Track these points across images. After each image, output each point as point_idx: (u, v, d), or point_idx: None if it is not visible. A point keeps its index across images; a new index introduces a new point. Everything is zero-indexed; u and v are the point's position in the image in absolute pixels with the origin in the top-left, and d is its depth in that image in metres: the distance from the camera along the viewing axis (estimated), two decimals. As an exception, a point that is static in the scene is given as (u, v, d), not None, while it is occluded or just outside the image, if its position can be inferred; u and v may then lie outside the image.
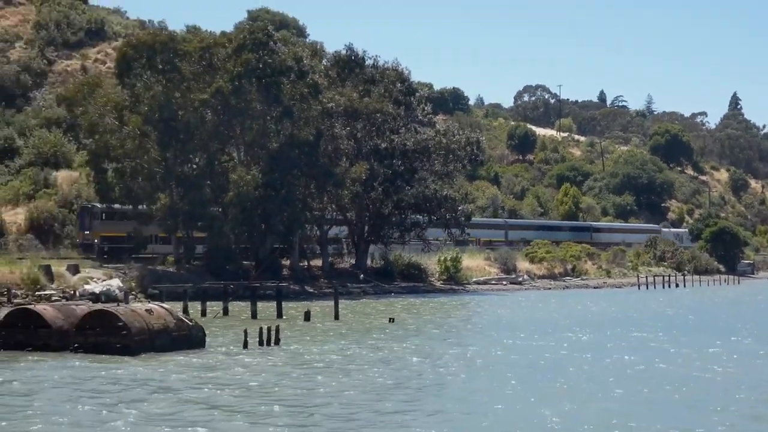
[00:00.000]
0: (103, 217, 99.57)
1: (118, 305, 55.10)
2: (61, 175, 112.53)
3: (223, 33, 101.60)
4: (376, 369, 40.62)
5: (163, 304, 53.16)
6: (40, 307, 49.69)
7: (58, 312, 48.21)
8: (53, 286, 77.43)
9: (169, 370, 40.22)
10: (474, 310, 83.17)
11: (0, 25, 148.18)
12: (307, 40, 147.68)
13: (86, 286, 78.00)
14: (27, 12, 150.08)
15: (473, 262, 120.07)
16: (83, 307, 50.70)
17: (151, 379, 37.45)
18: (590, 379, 37.76)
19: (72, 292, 76.18)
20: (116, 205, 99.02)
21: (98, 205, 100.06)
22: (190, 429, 27.93)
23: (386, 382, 36.83)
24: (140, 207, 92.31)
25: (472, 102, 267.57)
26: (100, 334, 45.40)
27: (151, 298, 71.94)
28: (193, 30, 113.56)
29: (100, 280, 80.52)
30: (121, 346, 44.51)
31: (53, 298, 71.10)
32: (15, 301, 68.88)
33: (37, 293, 74.00)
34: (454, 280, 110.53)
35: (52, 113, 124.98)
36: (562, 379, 37.70)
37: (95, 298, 73.26)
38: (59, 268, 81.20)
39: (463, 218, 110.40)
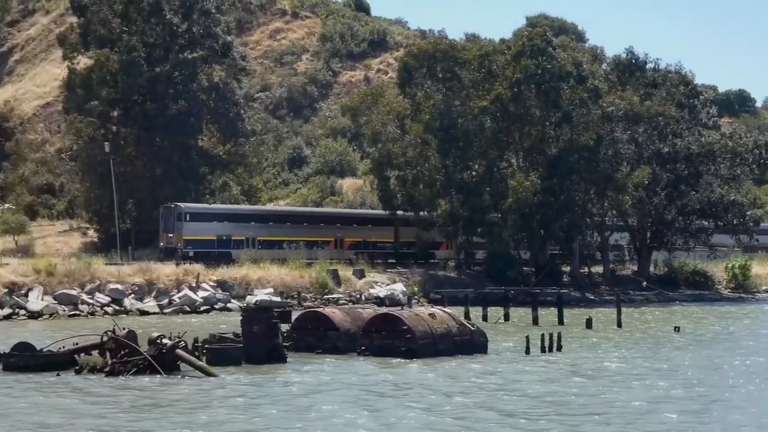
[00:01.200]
0: (187, 218, 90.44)
1: (402, 309, 56.06)
2: (346, 183, 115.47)
3: (502, 40, 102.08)
4: (661, 380, 39.45)
5: (446, 309, 53.61)
6: (329, 311, 50.91)
7: (345, 315, 49.32)
8: (340, 289, 79.36)
9: (452, 374, 40.35)
10: (764, 319, 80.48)
11: (288, 38, 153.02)
12: (586, 44, 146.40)
13: (371, 290, 79.70)
14: (313, 25, 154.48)
15: (763, 270, 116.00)
16: (369, 311, 51.77)
17: (435, 383, 37.66)
18: None
19: (358, 295, 78.10)
20: (204, 205, 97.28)
21: (181, 204, 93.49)
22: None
23: (671, 393, 35.58)
24: (421, 213, 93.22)
25: (759, 104, 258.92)
26: (386, 338, 46.17)
27: (433, 302, 72.52)
28: (472, 38, 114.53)
29: (384, 284, 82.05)
30: (405, 349, 45.09)
31: (340, 302, 73.04)
32: (305, 304, 71.04)
33: (325, 297, 76.11)
34: (743, 288, 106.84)
35: (337, 123, 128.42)
36: None
37: (380, 301, 74.99)
38: (345, 272, 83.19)
39: (751, 224, 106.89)
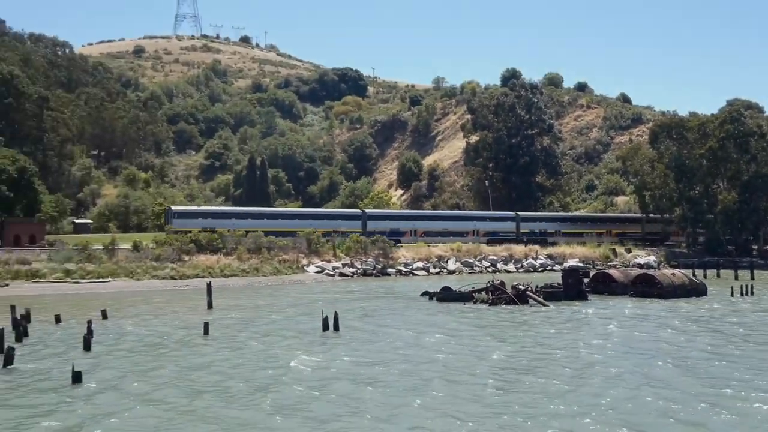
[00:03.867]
0: (176, 216, 71.52)
1: (654, 270, 53.98)
2: (620, 199, 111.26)
3: (713, 114, 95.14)
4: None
5: (681, 270, 51.55)
6: (611, 271, 50.13)
7: (621, 274, 48.35)
8: (617, 260, 76.87)
9: (688, 308, 39.08)
10: None
11: (584, 119, 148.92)
12: (765, 114, 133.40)
13: (635, 260, 76.62)
14: (599, 111, 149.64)
15: None
16: (635, 271, 50.55)
17: (678, 311, 36.48)
18: None
19: (628, 263, 75.29)
20: (191, 207, 77.78)
21: (172, 207, 76.04)
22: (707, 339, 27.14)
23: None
24: (664, 215, 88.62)
25: None
26: (645, 287, 44.94)
27: (673, 267, 69.04)
28: (693, 114, 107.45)
29: (643, 256, 78.66)
30: (657, 294, 43.74)
31: (617, 266, 70.76)
32: (597, 267, 69.45)
33: (608, 263, 73.93)
34: None
35: (613, 165, 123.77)
36: None
37: (640, 266, 72.04)
38: (620, 248, 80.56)
39: None
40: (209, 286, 41.29)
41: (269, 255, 63.31)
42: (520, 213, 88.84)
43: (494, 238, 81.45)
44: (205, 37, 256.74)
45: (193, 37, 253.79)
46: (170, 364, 23.74)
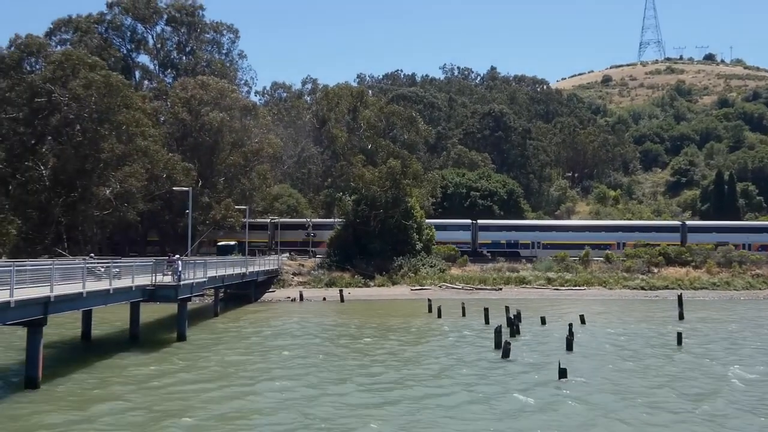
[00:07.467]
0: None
1: None
2: None
3: None
4: None
5: None
6: None
7: None
8: None
9: None
10: None
11: None
12: None
13: None
14: None
15: None
16: None
17: None
18: None
19: None
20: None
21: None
22: None
23: None
24: None
25: None
26: None
27: None
28: None
29: None
30: None
31: None
32: None
33: None
34: None
35: None
36: None
37: None
38: None
39: None
40: (680, 297, 39.38)
41: (741, 269, 57.82)
42: None
43: None
44: (668, 59, 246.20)
45: (656, 62, 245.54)
46: (645, 370, 23.20)
